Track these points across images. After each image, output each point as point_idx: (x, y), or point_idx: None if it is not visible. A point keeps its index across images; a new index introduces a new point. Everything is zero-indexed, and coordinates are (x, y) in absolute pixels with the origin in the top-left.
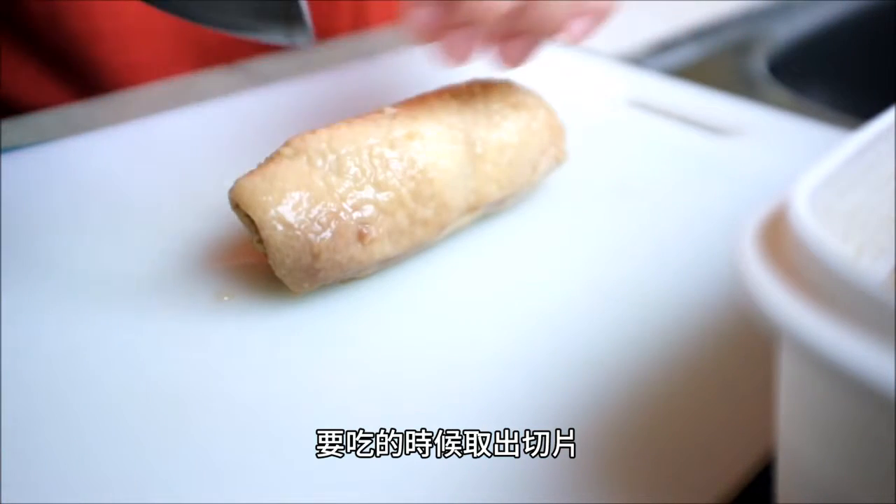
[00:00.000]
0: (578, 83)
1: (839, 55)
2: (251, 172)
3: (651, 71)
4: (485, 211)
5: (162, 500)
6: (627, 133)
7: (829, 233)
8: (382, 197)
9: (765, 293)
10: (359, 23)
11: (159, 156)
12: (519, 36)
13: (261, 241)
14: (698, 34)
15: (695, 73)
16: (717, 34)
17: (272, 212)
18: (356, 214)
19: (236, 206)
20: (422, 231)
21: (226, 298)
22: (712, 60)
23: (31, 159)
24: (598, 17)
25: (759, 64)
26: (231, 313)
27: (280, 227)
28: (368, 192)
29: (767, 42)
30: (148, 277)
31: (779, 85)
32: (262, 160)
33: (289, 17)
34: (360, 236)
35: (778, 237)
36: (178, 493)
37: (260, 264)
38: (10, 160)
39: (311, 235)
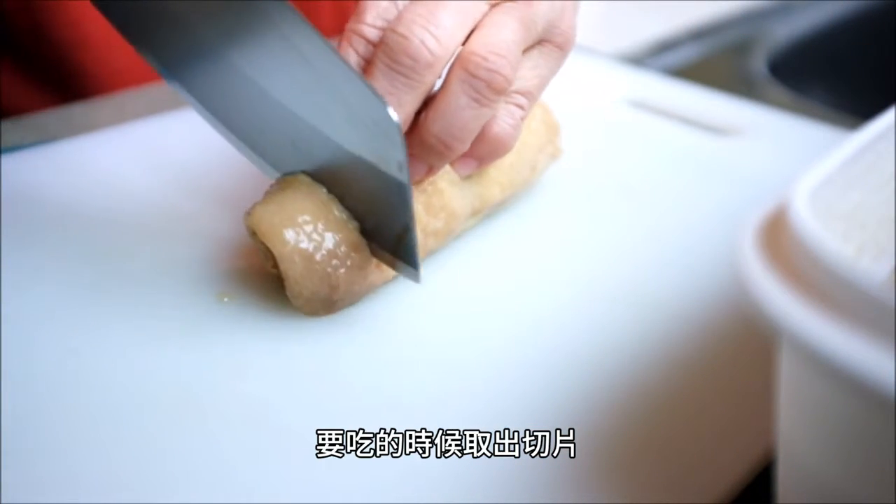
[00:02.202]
0: (578, 83)
1: (839, 55)
2: (267, 199)
3: (651, 71)
4: (486, 213)
5: (161, 500)
6: (627, 133)
7: (829, 233)
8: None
9: (765, 293)
10: (341, 22)
11: (159, 156)
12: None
13: (276, 266)
14: (698, 34)
15: (695, 73)
16: (717, 34)
17: (291, 245)
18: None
19: (253, 234)
20: (433, 242)
21: (226, 300)
22: (712, 60)
23: (31, 159)
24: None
25: (759, 64)
26: (232, 314)
27: (299, 261)
28: None
29: (767, 42)
30: (148, 277)
31: (779, 85)
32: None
33: (398, 255)
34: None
35: (778, 237)
36: (177, 492)
37: (261, 265)
38: (10, 160)
39: (330, 269)
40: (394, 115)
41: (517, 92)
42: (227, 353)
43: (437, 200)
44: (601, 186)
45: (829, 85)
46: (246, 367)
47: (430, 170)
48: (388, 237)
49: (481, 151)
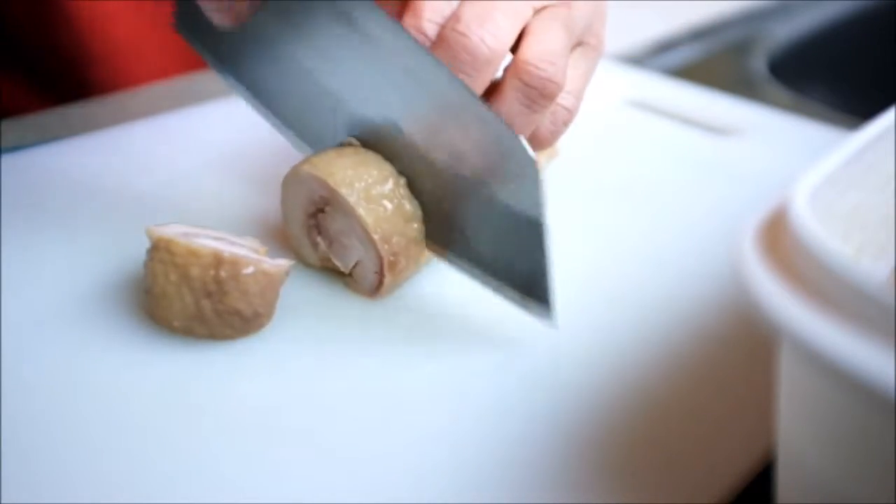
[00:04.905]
0: None
1: (839, 55)
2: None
3: (651, 71)
4: None
5: (160, 500)
6: (627, 133)
7: (829, 233)
8: (410, 231)
9: (765, 293)
10: None
11: (159, 156)
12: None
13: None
14: (698, 34)
15: (695, 73)
16: (717, 34)
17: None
18: (385, 247)
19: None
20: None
21: None
22: (712, 60)
23: (31, 159)
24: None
25: (759, 64)
26: None
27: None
28: (398, 225)
29: (767, 42)
30: None
31: (779, 85)
32: (261, 162)
33: (529, 296)
34: (391, 266)
35: (778, 237)
36: (177, 492)
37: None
38: (10, 160)
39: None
40: (530, 150)
41: (564, 93)
42: (224, 353)
43: None
44: (600, 186)
45: (829, 85)
46: (243, 368)
47: None
48: (518, 277)
49: None
